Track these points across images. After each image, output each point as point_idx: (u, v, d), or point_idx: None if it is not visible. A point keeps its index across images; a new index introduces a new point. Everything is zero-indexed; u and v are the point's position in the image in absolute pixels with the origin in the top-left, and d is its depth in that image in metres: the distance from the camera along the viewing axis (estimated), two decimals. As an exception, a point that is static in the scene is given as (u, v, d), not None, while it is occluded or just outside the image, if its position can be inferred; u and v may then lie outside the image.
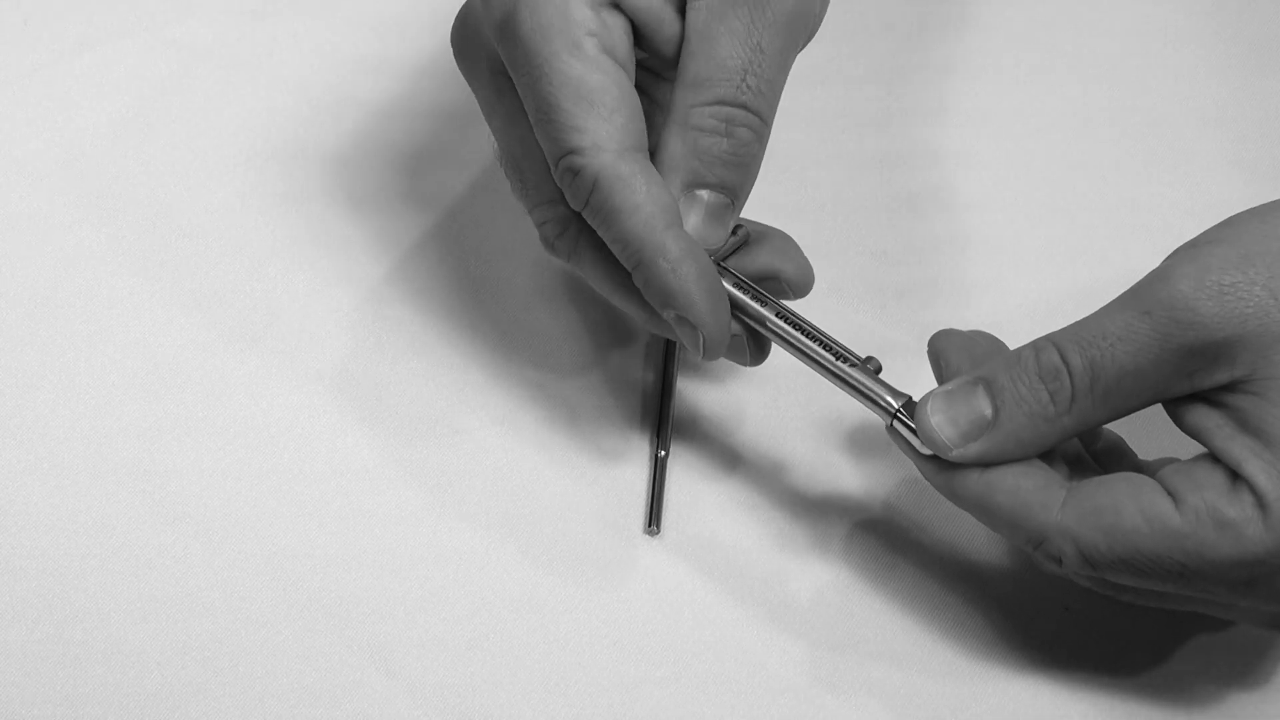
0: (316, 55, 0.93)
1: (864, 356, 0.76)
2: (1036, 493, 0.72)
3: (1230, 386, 0.71)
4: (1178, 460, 0.73)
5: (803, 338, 0.76)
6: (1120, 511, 0.71)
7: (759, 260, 0.79)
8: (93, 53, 0.92)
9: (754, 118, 0.75)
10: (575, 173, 0.74)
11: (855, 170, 0.91)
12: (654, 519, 0.81)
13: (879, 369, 0.76)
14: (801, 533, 0.81)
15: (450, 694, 0.77)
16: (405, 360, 0.84)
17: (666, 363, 0.84)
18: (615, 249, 0.75)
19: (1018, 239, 0.89)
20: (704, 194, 0.76)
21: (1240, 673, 0.78)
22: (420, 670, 0.77)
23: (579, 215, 0.76)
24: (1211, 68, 0.94)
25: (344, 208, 0.88)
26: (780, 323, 0.76)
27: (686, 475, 0.82)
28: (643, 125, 0.75)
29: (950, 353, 0.76)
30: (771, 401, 0.84)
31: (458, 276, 0.86)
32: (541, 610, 0.79)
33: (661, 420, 0.83)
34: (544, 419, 0.83)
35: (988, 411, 0.73)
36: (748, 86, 0.75)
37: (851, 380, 0.76)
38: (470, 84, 0.79)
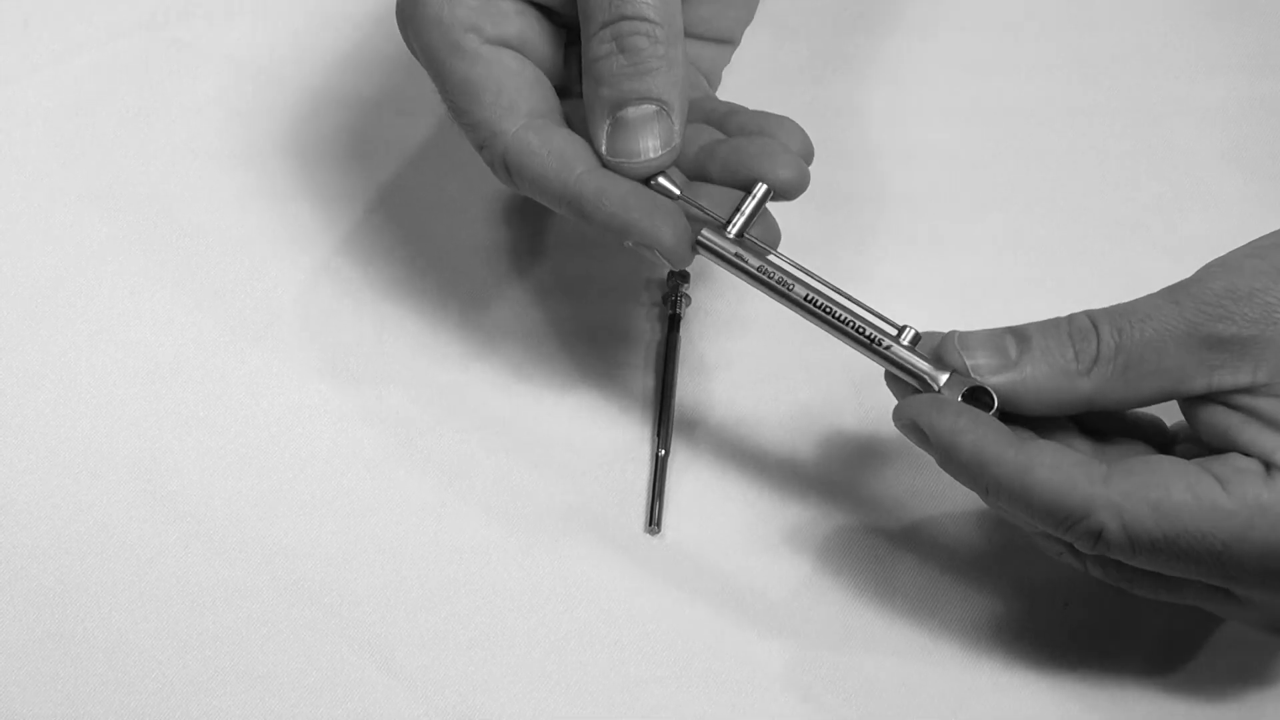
0: (318, 55, 0.93)
1: (900, 326, 0.75)
2: (1080, 466, 0.71)
3: (1251, 389, 0.72)
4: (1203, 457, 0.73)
5: (836, 315, 0.75)
6: (1169, 487, 0.71)
7: (739, 168, 0.77)
8: (93, 53, 0.92)
9: (641, 23, 0.76)
10: (491, 164, 0.77)
11: (854, 167, 0.91)
12: (654, 519, 0.81)
13: (917, 339, 0.75)
14: (802, 532, 0.81)
15: (451, 692, 0.77)
16: (406, 359, 0.84)
17: (667, 362, 0.84)
18: (557, 211, 0.77)
19: (1017, 239, 0.89)
20: (625, 112, 0.76)
21: (1239, 671, 0.79)
22: (421, 668, 0.77)
23: None
24: (1211, 67, 0.94)
25: (345, 205, 0.88)
26: (812, 300, 0.75)
27: (686, 475, 0.82)
28: (536, 91, 0.77)
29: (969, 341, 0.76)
30: (773, 400, 0.84)
31: (460, 276, 0.86)
32: (542, 609, 0.79)
33: (661, 420, 0.83)
34: (544, 419, 0.83)
35: (1013, 354, 0.73)
36: (622, 0, 0.76)
37: (891, 356, 0.74)
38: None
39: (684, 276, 0.86)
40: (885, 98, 0.93)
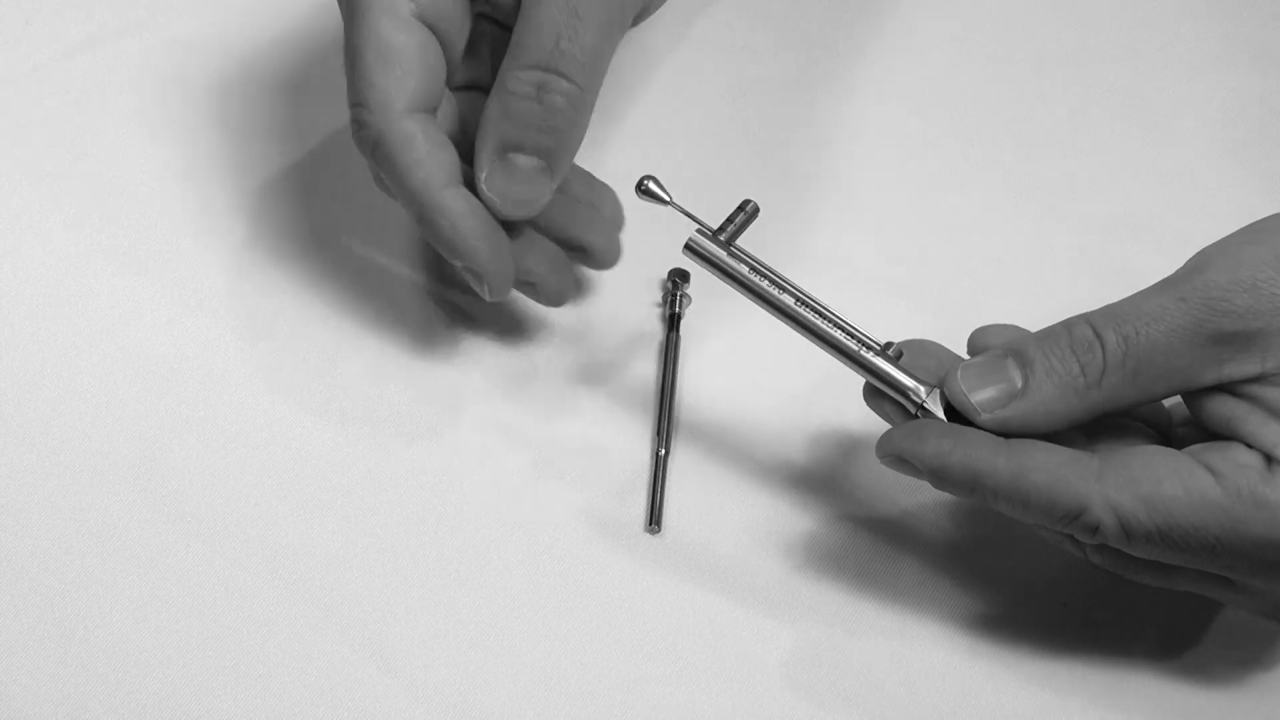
0: (318, 54, 0.93)
1: (883, 343, 0.76)
2: (1072, 464, 0.72)
3: (1259, 379, 0.72)
4: (1205, 442, 0.73)
5: (824, 325, 0.76)
6: (1160, 481, 0.71)
7: (565, 227, 0.80)
8: (93, 52, 0.92)
9: (567, 84, 0.77)
10: (362, 125, 0.77)
11: (859, 177, 0.91)
12: (654, 519, 0.81)
13: (900, 354, 0.75)
14: (802, 532, 0.81)
15: (451, 692, 0.77)
16: (406, 359, 0.84)
17: (667, 362, 0.84)
18: (401, 203, 0.78)
19: (1016, 238, 0.89)
20: (517, 157, 0.77)
21: (1239, 657, 0.79)
22: (421, 668, 0.77)
23: None
24: (1211, 67, 0.94)
25: (345, 206, 0.88)
26: (801, 310, 0.76)
27: (686, 475, 0.82)
28: (438, 89, 0.78)
29: (989, 341, 0.76)
30: (772, 400, 0.84)
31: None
32: (542, 609, 0.79)
33: (661, 420, 0.83)
34: (544, 418, 0.83)
35: (1018, 381, 0.73)
36: (561, 52, 0.76)
37: (876, 369, 0.75)
38: None
39: (684, 276, 0.86)
40: (880, 84, 0.93)
